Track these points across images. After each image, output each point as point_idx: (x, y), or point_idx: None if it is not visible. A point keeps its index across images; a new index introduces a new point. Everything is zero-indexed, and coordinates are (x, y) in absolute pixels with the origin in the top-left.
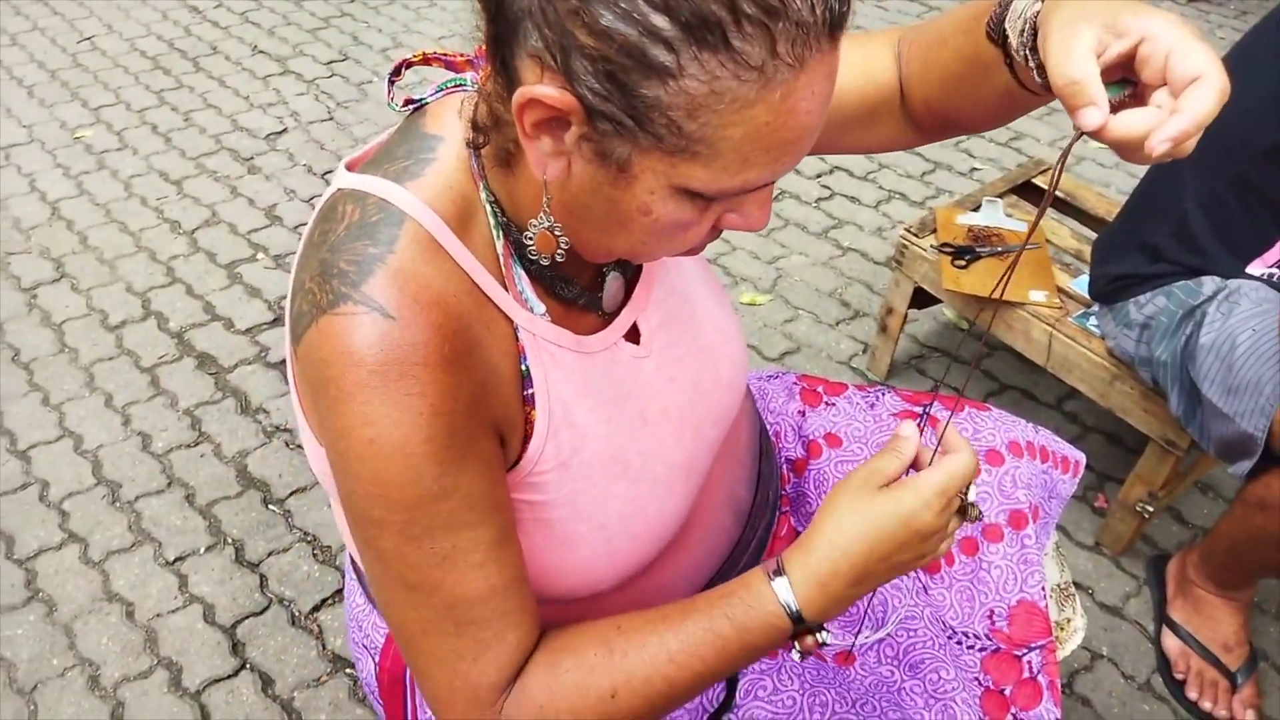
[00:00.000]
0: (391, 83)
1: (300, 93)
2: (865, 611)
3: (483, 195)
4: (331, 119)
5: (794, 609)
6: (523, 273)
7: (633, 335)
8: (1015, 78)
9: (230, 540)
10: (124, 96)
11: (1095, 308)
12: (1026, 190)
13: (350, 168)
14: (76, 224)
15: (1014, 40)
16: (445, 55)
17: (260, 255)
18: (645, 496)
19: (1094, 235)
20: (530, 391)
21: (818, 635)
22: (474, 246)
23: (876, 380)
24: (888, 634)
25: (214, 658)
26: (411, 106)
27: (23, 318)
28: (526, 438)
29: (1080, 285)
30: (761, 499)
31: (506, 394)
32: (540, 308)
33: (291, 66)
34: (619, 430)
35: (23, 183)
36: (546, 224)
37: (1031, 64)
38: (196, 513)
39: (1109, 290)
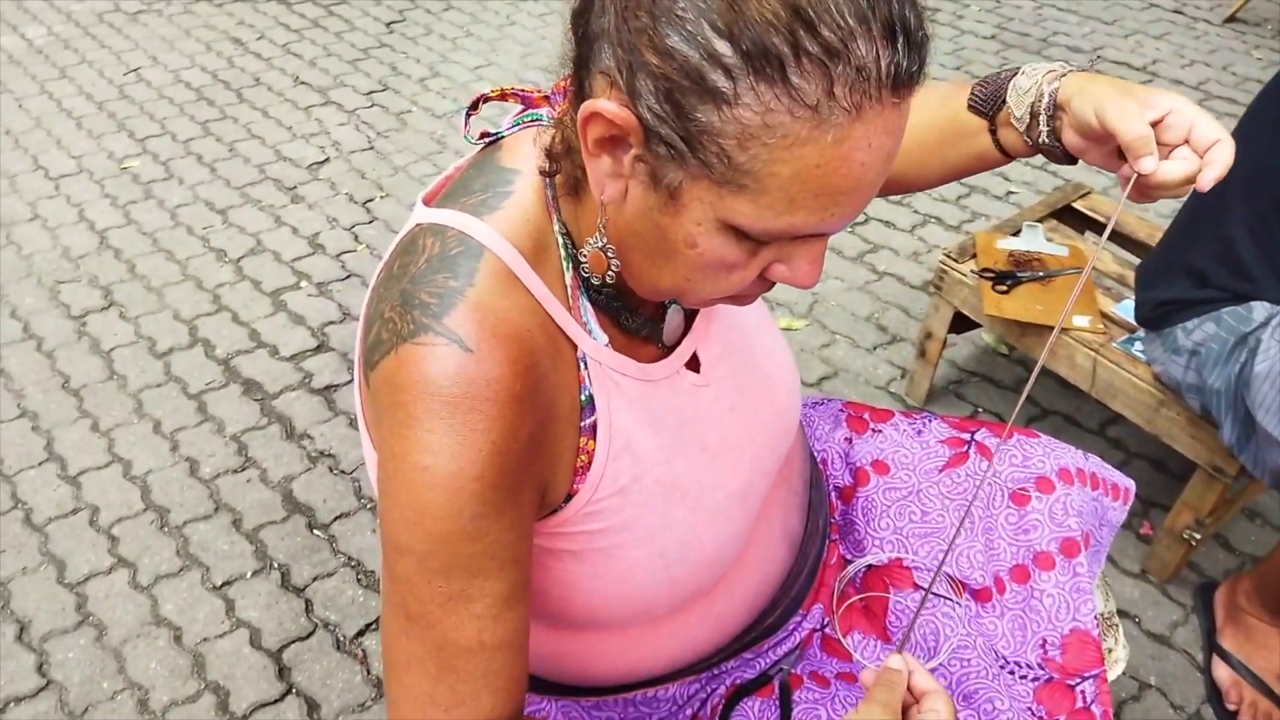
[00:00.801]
0: (468, 117)
1: (341, 123)
2: (911, 639)
3: (555, 228)
4: (372, 148)
5: None
6: (588, 304)
7: (693, 365)
8: (996, 143)
9: (276, 565)
10: (170, 127)
11: (1140, 333)
12: (1066, 214)
13: (427, 202)
14: (124, 253)
15: (1018, 110)
16: (522, 91)
17: (304, 283)
18: (704, 524)
19: (1136, 260)
20: (590, 420)
21: None
22: (546, 278)
23: (915, 405)
24: (939, 664)
25: (260, 682)
26: (487, 140)
27: (72, 345)
28: (580, 470)
29: (1124, 310)
30: (812, 527)
31: (561, 431)
32: (603, 337)
33: (332, 97)
34: (679, 458)
35: (72, 212)
36: (600, 244)
37: (1043, 127)
38: (243, 537)
39: (1155, 315)
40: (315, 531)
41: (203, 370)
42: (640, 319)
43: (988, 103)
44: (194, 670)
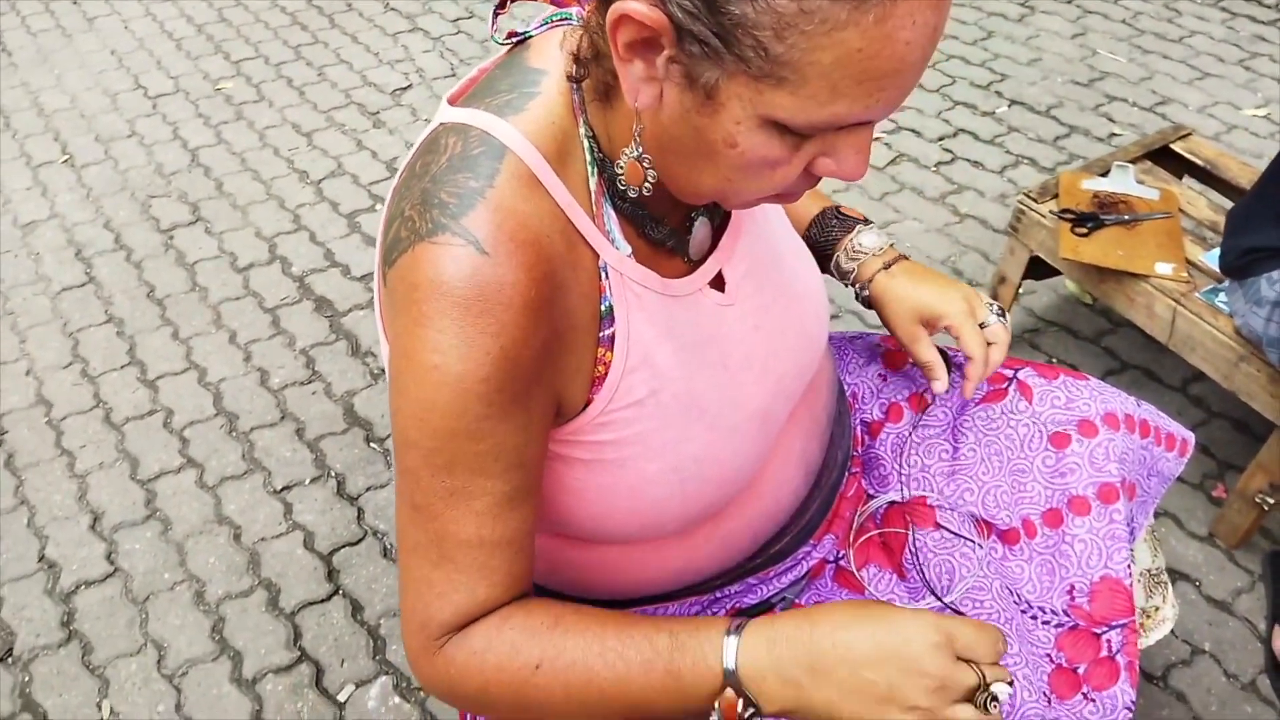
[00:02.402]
0: (495, 16)
1: (426, 49)
2: (925, 575)
3: (581, 130)
4: (454, 75)
5: (733, 643)
6: (612, 212)
7: (718, 284)
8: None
9: (333, 474)
10: (263, 51)
11: (1225, 283)
12: (1163, 156)
13: (451, 102)
14: (214, 171)
15: (844, 266)
16: None
17: (379, 206)
18: (720, 442)
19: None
20: (609, 332)
21: (748, 717)
22: (570, 182)
23: None
24: (951, 602)
25: (310, 582)
26: (514, 40)
27: (159, 256)
28: (597, 380)
29: (1212, 259)
30: (831, 458)
31: (578, 340)
32: (626, 248)
33: (420, 24)
34: (698, 375)
35: (167, 130)
36: (636, 154)
37: (857, 291)
38: (305, 446)
39: (1240, 264)
40: (372, 444)
41: (279, 286)
42: (666, 229)
43: (816, 248)
44: (249, 567)
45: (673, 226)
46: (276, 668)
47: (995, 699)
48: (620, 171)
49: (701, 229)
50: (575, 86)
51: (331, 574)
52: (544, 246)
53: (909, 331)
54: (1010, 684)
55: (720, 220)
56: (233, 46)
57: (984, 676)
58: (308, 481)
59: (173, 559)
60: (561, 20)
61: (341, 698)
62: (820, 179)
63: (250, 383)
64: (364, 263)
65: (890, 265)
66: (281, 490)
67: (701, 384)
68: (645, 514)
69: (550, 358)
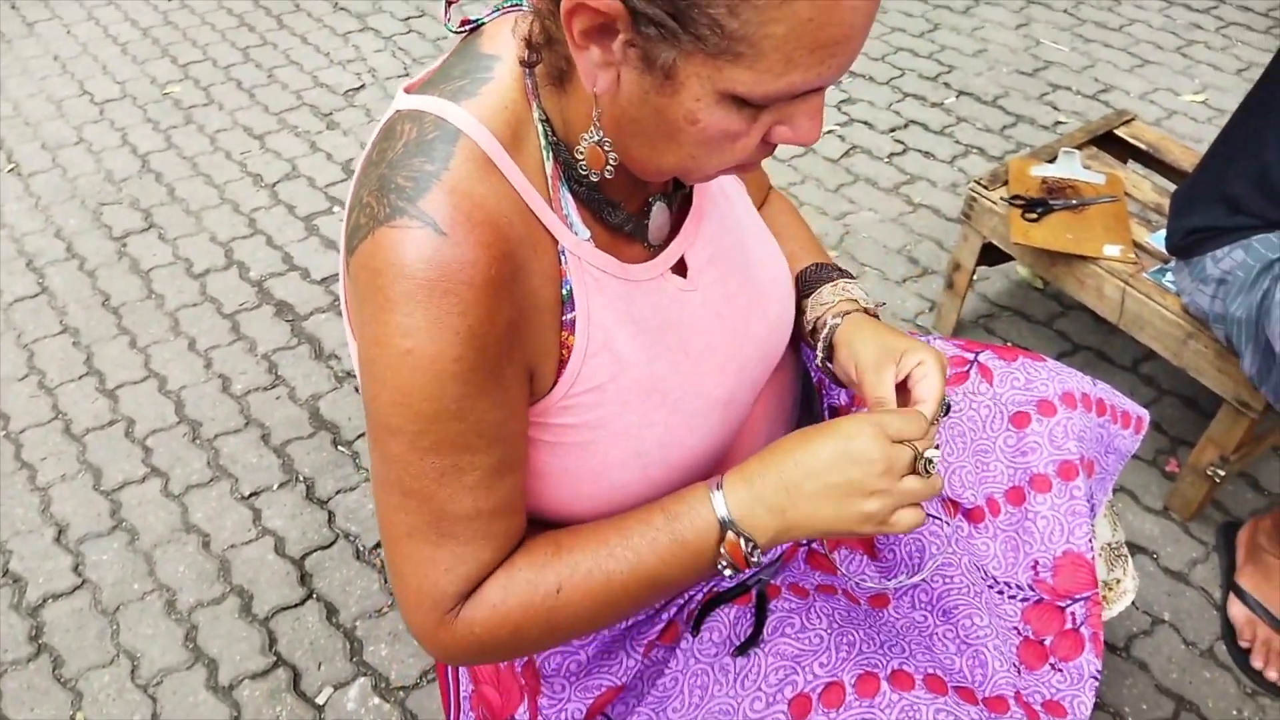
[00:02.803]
0: (449, 4)
1: (378, 49)
2: (895, 555)
3: (535, 114)
4: (407, 74)
5: (720, 496)
6: (569, 196)
7: (680, 270)
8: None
9: (302, 478)
10: (211, 53)
11: (1172, 263)
12: (1107, 141)
13: (408, 91)
14: (165, 176)
15: (810, 315)
16: None
17: (336, 208)
18: (683, 427)
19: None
20: (570, 316)
21: (750, 552)
22: (525, 166)
23: (940, 338)
24: (923, 579)
25: (283, 587)
26: (468, 27)
27: (113, 264)
28: (562, 363)
29: (1159, 240)
30: None
31: (544, 322)
32: (585, 232)
33: (370, 23)
34: (659, 360)
35: (115, 136)
36: (596, 138)
37: (820, 347)
38: (271, 451)
39: (1186, 244)
40: (340, 447)
41: (237, 291)
42: (623, 214)
43: (806, 284)
44: (220, 574)
45: (630, 211)
46: (253, 673)
47: (930, 462)
48: (580, 156)
49: (660, 214)
50: (528, 71)
51: (304, 578)
52: (501, 227)
53: (875, 360)
54: (937, 448)
55: (681, 205)
56: (179, 50)
57: (918, 450)
58: (275, 487)
59: (141, 569)
60: (514, 6)
61: (320, 700)
62: (776, 146)
63: (212, 389)
64: (323, 266)
65: (871, 313)
66: (249, 496)
67: (663, 369)
68: (609, 498)
69: (518, 338)
